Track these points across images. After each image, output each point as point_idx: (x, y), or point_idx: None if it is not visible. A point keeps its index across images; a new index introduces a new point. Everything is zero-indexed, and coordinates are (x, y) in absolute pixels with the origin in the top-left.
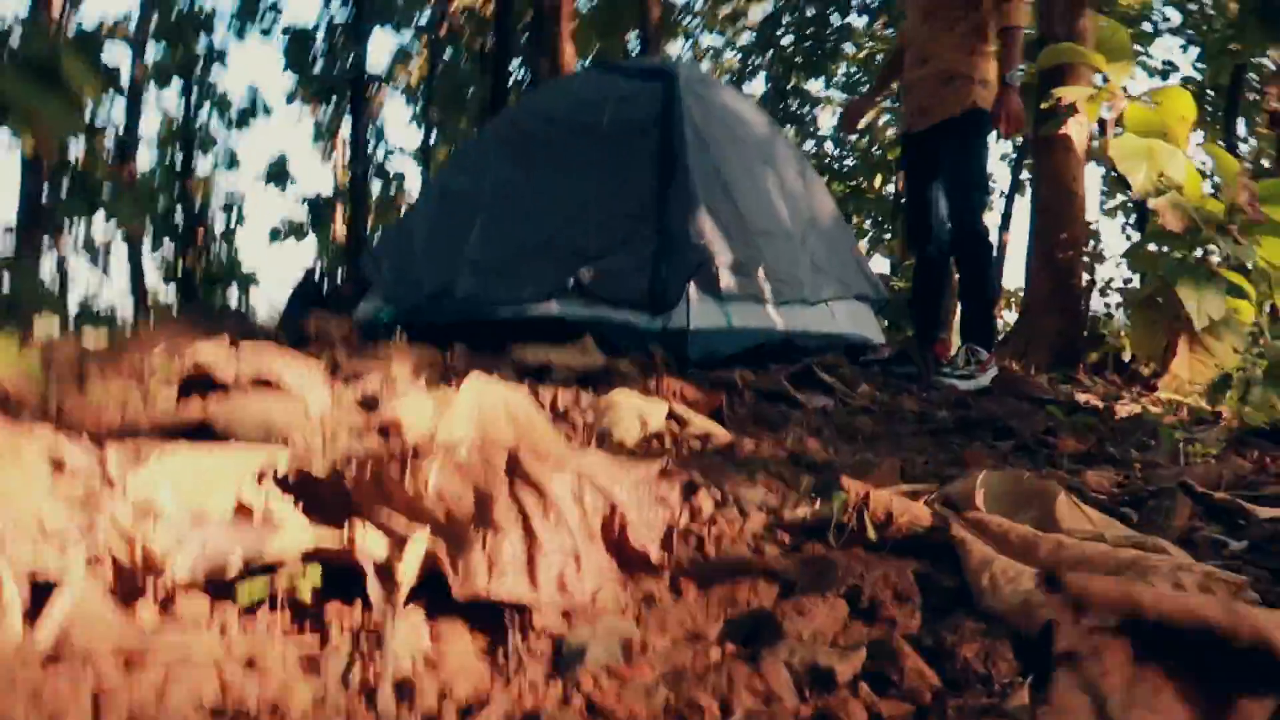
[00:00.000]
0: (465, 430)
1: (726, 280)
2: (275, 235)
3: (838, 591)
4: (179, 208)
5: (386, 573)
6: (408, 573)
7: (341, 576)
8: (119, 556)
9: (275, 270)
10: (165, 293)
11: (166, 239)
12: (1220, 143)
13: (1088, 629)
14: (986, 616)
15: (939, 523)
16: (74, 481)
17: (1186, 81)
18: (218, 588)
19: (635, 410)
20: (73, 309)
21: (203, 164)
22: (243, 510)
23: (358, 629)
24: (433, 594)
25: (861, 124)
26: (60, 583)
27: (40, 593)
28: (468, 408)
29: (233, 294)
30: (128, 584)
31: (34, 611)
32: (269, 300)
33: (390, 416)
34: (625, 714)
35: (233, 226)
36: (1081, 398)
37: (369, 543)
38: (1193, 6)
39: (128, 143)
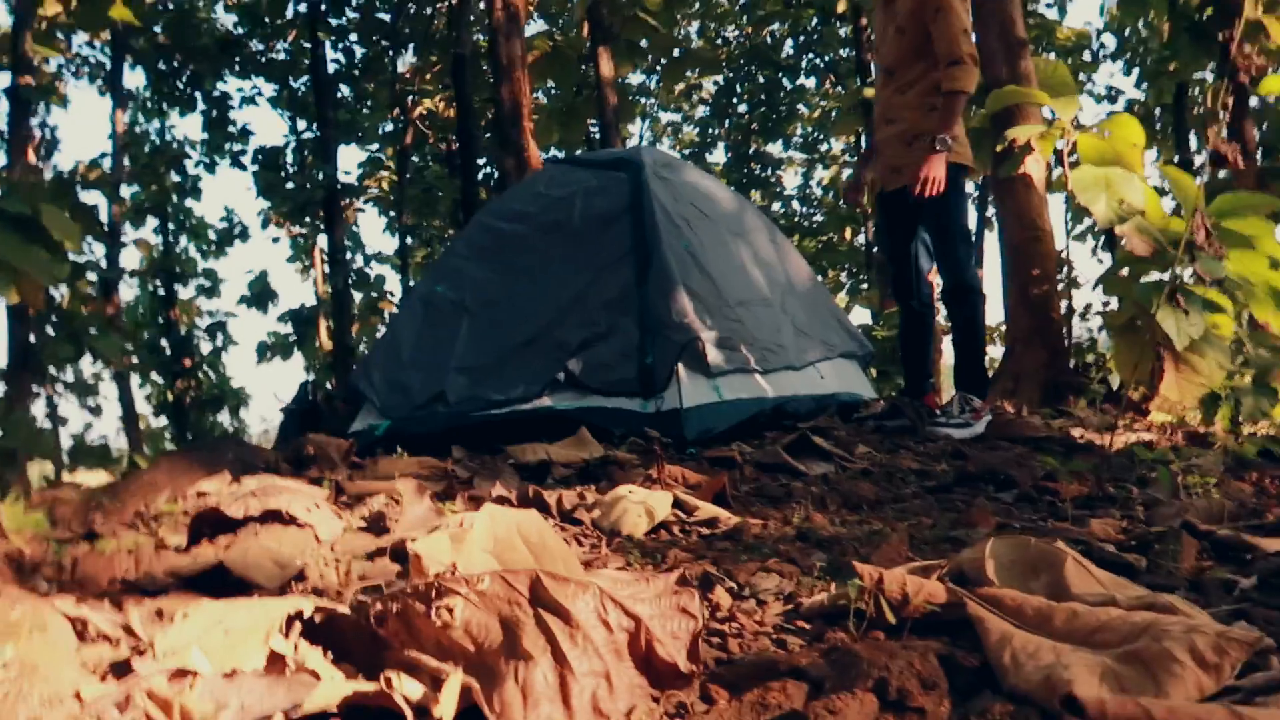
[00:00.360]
0: (482, 559)
1: (713, 356)
2: (262, 353)
3: (865, 686)
4: (164, 338)
5: (423, 713)
6: (446, 711)
7: None
8: None
9: (265, 384)
10: (157, 421)
11: (154, 370)
12: (1174, 159)
13: None
14: (1012, 695)
15: (954, 599)
16: (101, 647)
17: (1133, 104)
18: None
19: (640, 503)
20: (67, 444)
21: (185, 292)
22: (274, 664)
23: None
24: None
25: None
26: None
27: None
28: (483, 537)
29: (224, 417)
30: None
31: None
32: (261, 417)
33: (410, 552)
34: None
35: (220, 348)
36: (1076, 432)
37: (405, 687)
38: (1127, 32)
39: (109, 279)
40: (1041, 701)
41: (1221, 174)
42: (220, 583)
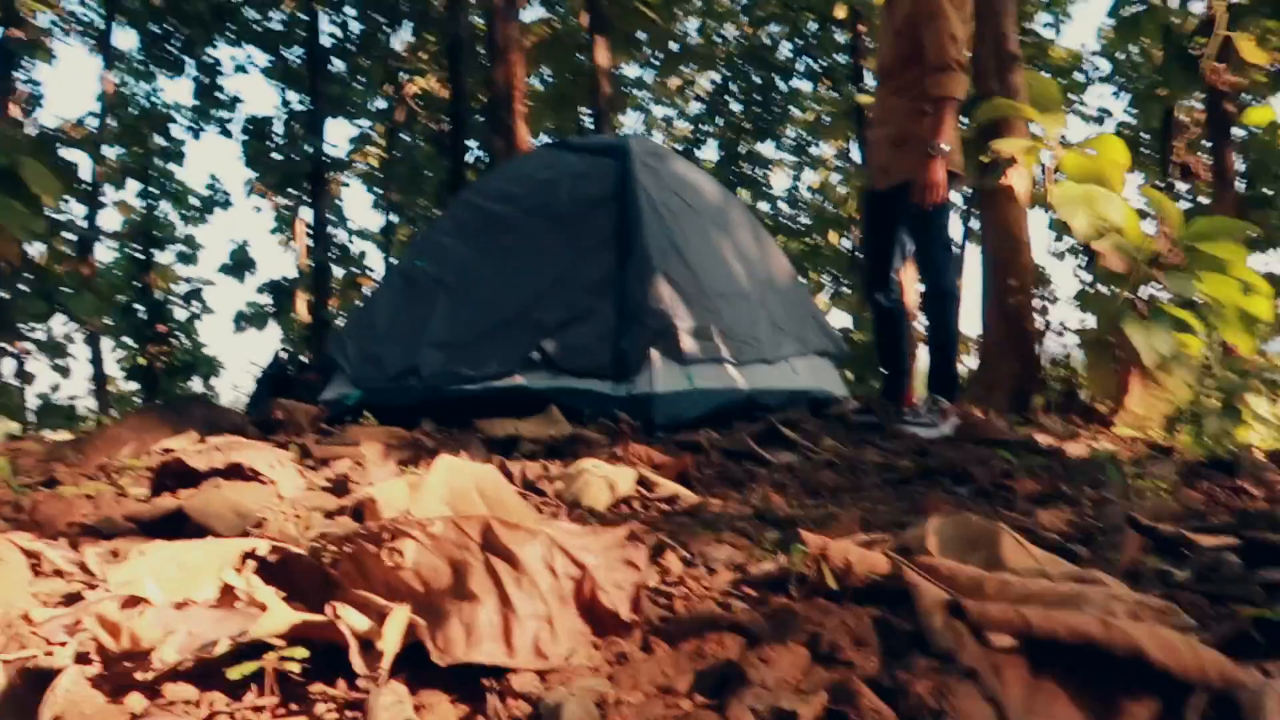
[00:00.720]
0: (438, 508)
1: (688, 344)
2: (239, 322)
3: (799, 640)
4: (140, 302)
5: (368, 647)
6: (390, 643)
7: (323, 659)
8: (107, 646)
9: (238, 355)
10: (128, 386)
11: (127, 334)
12: (1157, 183)
13: (988, 650)
14: (941, 656)
15: (894, 569)
16: (55, 581)
17: (1121, 127)
18: (203, 675)
19: (603, 477)
20: (34, 405)
21: (163, 257)
22: (226, 597)
23: (342, 705)
24: (412, 667)
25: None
26: (54, 674)
27: (34, 684)
28: (439, 486)
29: (195, 384)
30: (115, 674)
31: (31, 702)
32: (233, 385)
33: (365, 497)
34: None
35: (195, 315)
36: (1040, 439)
37: (351, 618)
38: (1121, 56)
39: (87, 239)
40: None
41: (1202, 199)
42: (179, 530)
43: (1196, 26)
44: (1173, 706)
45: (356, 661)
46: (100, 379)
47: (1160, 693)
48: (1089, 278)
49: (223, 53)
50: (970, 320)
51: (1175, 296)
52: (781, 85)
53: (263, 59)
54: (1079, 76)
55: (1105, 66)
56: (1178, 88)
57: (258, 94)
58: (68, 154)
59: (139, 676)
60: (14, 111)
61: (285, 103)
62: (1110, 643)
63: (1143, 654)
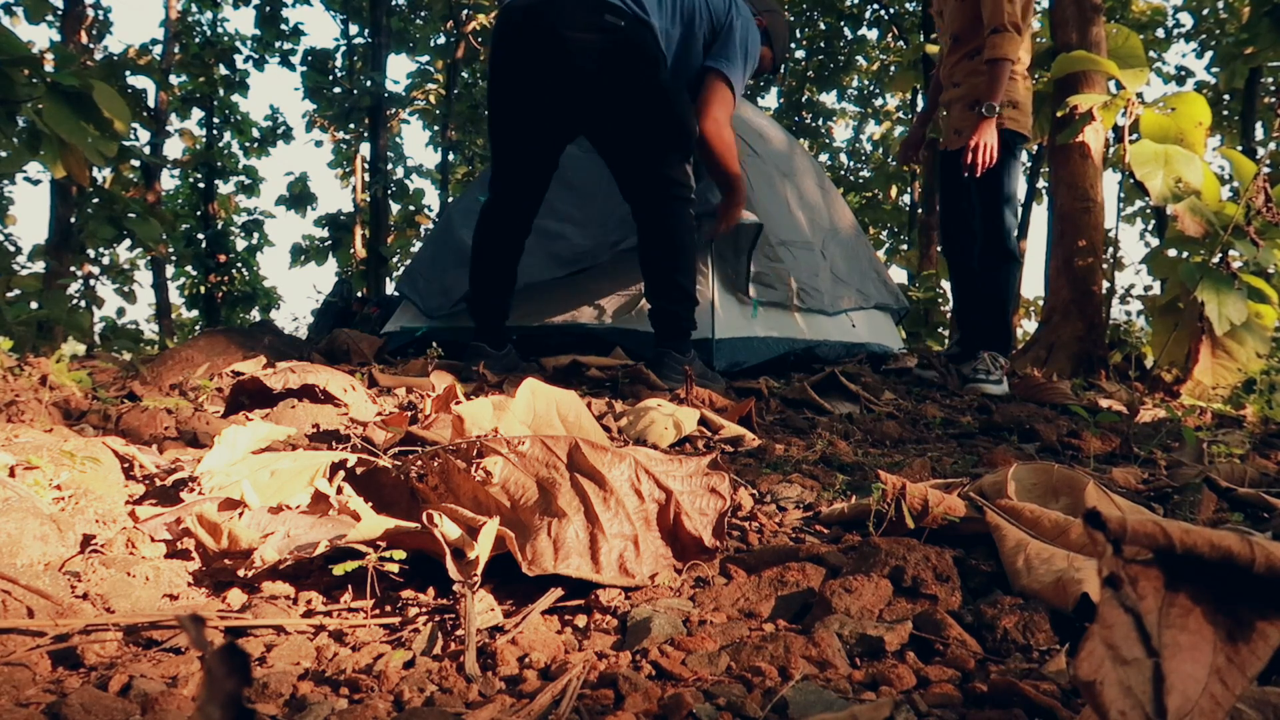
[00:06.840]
0: (520, 430)
1: (750, 290)
2: (296, 256)
3: (881, 572)
4: (201, 231)
5: (459, 556)
6: (483, 551)
7: (410, 567)
8: (207, 545)
9: (296, 289)
10: (189, 314)
11: (189, 262)
12: (1238, 147)
13: (1125, 560)
14: (1022, 595)
15: (973, 512)
16: (146, 484)
17: (1201, 86)
18: (298, 575)
19: (668, 416)
20: (99, 328)
21: (224, 187)
22: (318, 504)
23: (431, 610)
24: (498, 579)
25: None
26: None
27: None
28: (524, 407)
29: (254, 315)
30: (215, 570)
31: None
32: (292, 315)
33: (453, 414)
34: (691, 678)
35: (255, 246)
36: (1104, 403)
37: (445, 527)
38: (1205, 11)
39: (152, 166)
40: (1051, 600)
41: None
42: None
43: None
44: None
45: (451, 568)
46: (163, 306)
47: None
48: (1158, 242)
49: None
50: (1033, 280)
51: (1249, 263)
52: (848, 32)
53: None
54: (1159, 32)
55: (1188, 22)
56: (1266, 46)
57: (320, 26)
58: (134, 81)
59: (240, 574)
60: (82, 37)
61: (346, 35)
62: (1252, 559)
63: None
